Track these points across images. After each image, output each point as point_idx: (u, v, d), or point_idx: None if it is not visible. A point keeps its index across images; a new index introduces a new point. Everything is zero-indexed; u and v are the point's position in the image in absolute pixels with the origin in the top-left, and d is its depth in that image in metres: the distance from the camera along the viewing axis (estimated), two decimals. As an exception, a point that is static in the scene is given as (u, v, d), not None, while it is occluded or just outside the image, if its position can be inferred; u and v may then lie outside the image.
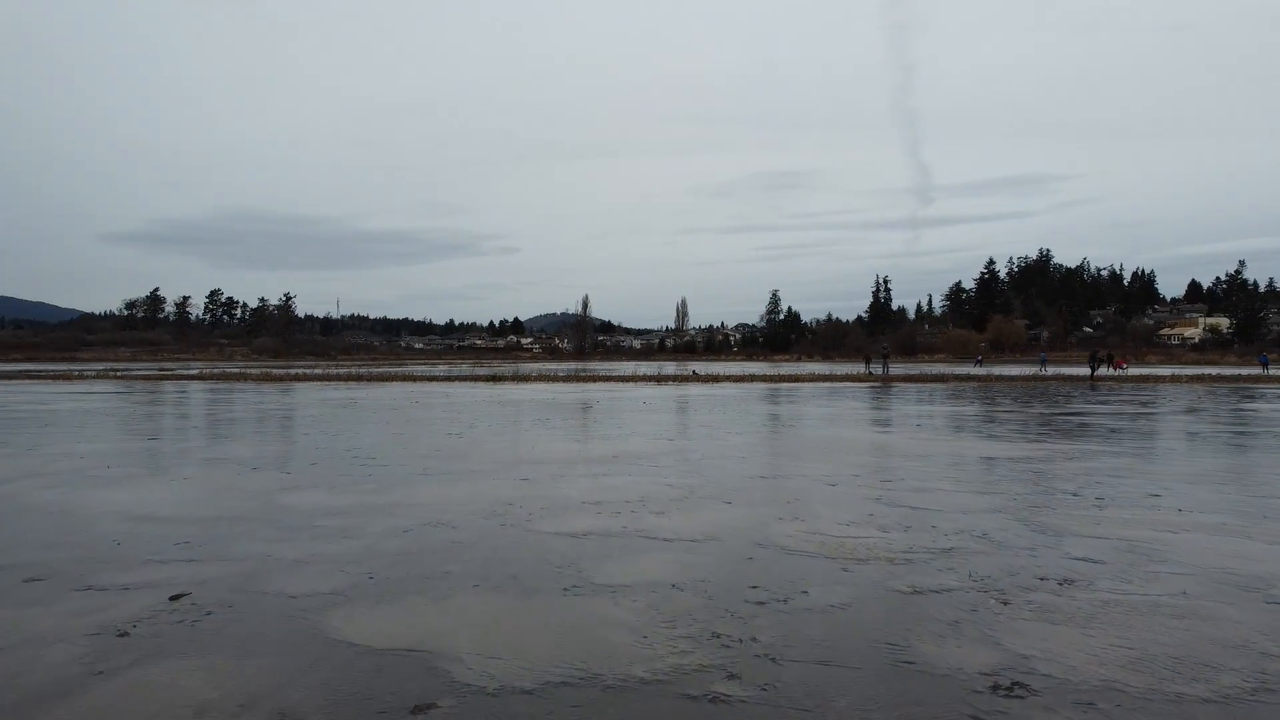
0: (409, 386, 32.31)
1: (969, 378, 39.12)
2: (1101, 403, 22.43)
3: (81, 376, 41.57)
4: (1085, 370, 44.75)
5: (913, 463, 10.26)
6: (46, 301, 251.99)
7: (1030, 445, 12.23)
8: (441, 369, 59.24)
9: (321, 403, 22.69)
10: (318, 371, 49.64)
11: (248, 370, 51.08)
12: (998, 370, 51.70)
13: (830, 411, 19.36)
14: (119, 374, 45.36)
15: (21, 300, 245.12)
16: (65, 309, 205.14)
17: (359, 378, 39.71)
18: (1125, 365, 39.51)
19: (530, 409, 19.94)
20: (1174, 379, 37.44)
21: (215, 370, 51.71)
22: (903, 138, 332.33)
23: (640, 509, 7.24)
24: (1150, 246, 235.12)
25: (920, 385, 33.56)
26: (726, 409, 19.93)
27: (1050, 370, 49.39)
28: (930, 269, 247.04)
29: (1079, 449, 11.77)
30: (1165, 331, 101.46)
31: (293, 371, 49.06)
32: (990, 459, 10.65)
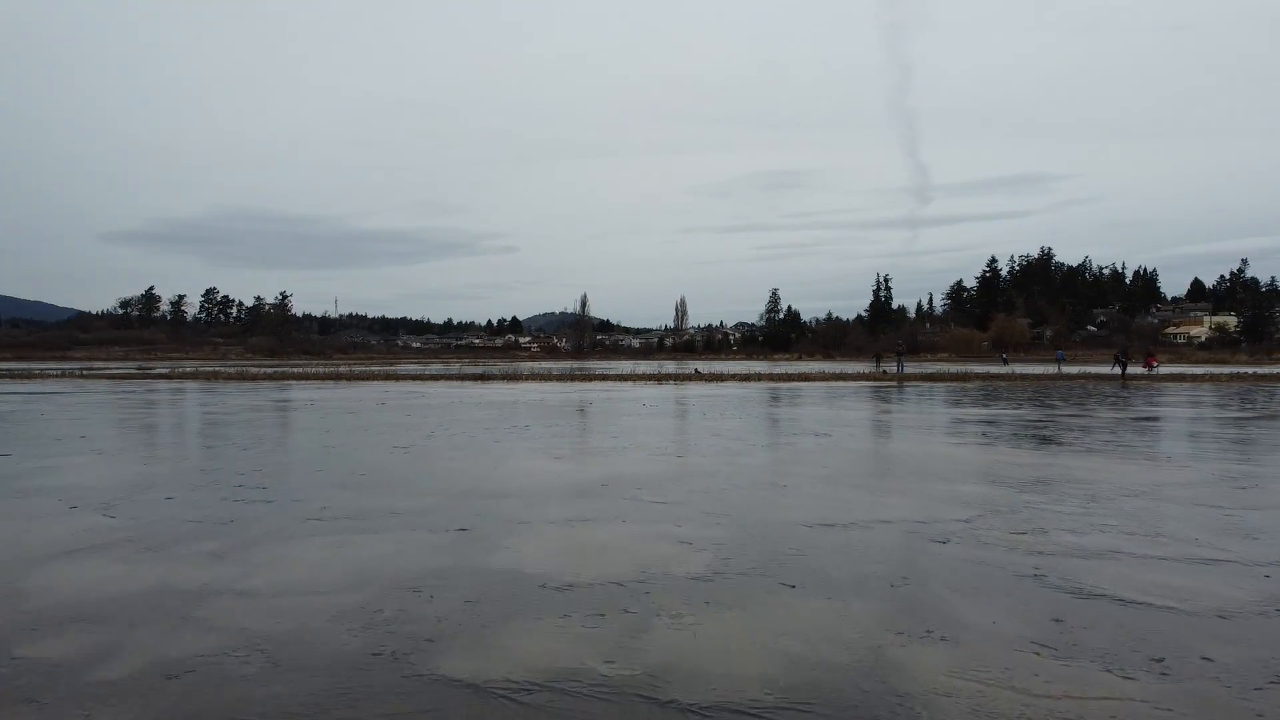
0: (387, 386, 29.06)
1: (992, 377, 35.84)
2: (1170, 405, 19.22)
3: (43, 375, 38.25)
4: (1106, 369, 41.66)
5: (1029, 495, 7.05)
6: (45, 301, 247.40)
7: (1170, 469, 9.02)
8: (433, 368, 55.95)
9: (273, 405, 19.46)
10: (296, 370, 46.39)
11: (223, 370, 47.81)
12: (1018, 369, 48.42)
13: (861, 416, 16.13)
14: (84, 373, 42.05)
15: (21, 300, 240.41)
16: (64, 308, 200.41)
17: (338, 376, 36.49)
18: (1156, 364, 36.22)
19: (512, 413, 16.72)
20: (1211, 378, 34.27)
21: (190, 370, 48.41)
22: (901, 137, 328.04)
23: (639, 602, 4.04)
24: (1150, 246, 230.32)
25: (945, 385, 30.31)
26: (739, 413, 16.70)
27: (1071, 369, 46.21)
28: (929, 268, 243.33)
29: (1245, 472, 8.56)
30: (1171, 330, 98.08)
31: (269, 370, 45.82)
32: (1137, 490, 7.43)
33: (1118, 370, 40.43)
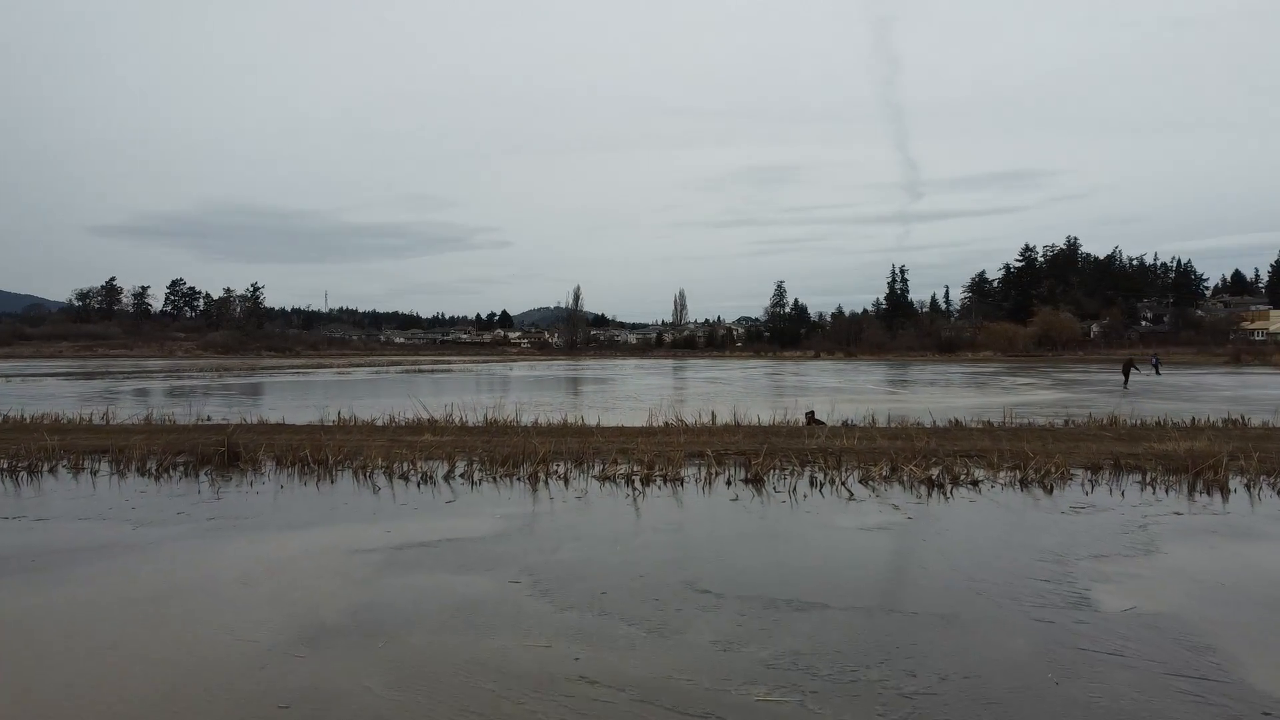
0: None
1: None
2: None
3: None
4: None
5: None
6: (36, 295, 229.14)
7: None
8: (358, 374, 39.46)
9: None
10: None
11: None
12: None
13: None
14: None
15: (13, 294, 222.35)
16: (55, 302, 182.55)
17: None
18: None
19: None
20: None
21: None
22: (892, 132, 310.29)
23: None
24: (1150, 240, 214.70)
25: None
26: None
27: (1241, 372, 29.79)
28: (922, 264, 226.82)
29: None
30: (1245, 325, 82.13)
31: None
32: None
33: None
